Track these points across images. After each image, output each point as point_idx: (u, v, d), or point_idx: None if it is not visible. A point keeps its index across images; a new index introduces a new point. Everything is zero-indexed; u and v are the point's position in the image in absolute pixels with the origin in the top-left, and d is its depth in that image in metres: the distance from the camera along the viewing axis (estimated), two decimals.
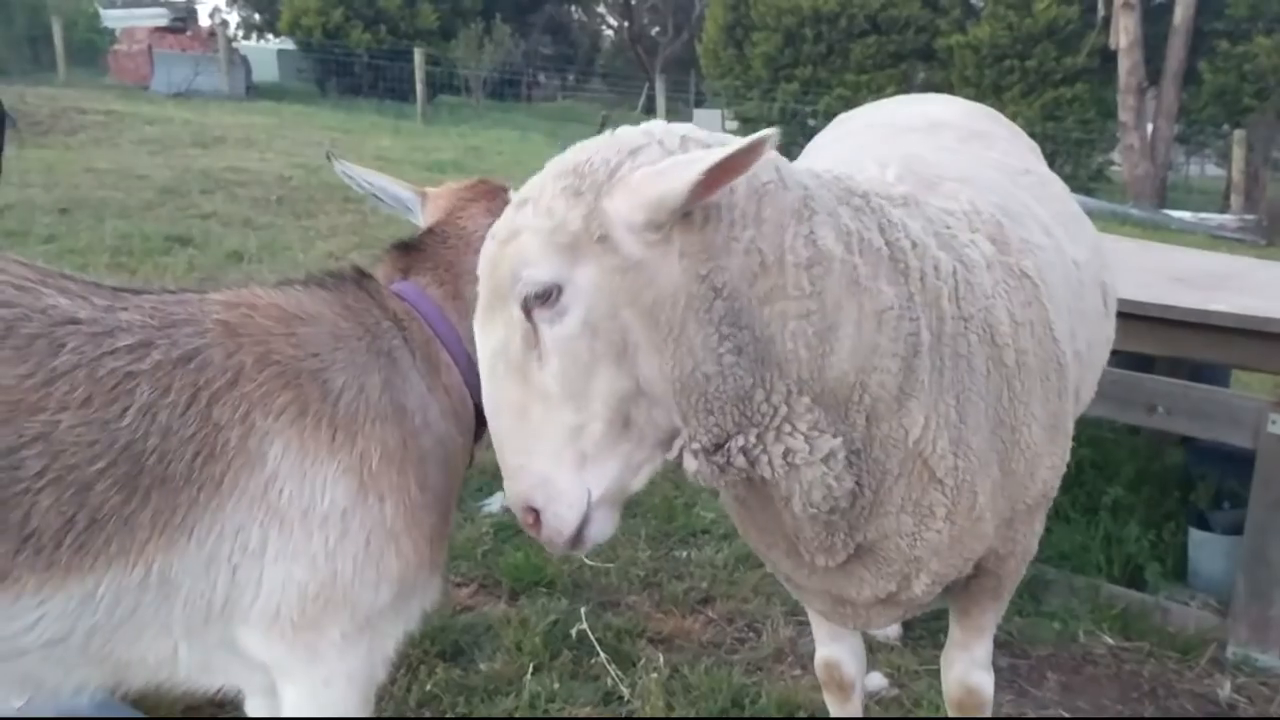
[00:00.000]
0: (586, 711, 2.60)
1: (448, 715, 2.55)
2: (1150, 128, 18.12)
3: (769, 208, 1.45)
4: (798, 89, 21.71)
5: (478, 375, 1.55)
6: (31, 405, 1.42)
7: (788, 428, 1.49)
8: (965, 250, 1.65)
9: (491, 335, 1.46)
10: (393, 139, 14.37)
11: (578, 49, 39.08)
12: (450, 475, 1.76)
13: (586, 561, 3.36)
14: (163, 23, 21.63)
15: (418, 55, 19.45)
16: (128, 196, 8.39)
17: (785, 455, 1.50)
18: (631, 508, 3.83)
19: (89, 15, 24.83)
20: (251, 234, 7.53)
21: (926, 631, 3.10)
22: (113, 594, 1.47)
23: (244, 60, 20.94)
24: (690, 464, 1.49)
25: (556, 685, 2.67)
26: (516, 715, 2.56)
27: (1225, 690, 2.89)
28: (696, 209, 1.39)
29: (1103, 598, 3.27)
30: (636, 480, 1.50)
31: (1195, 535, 3.45)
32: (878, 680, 2.84)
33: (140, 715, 2.25)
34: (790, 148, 1.73)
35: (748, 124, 23.62)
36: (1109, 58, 18.43)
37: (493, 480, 3.42)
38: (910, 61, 21.93)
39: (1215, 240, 12.70)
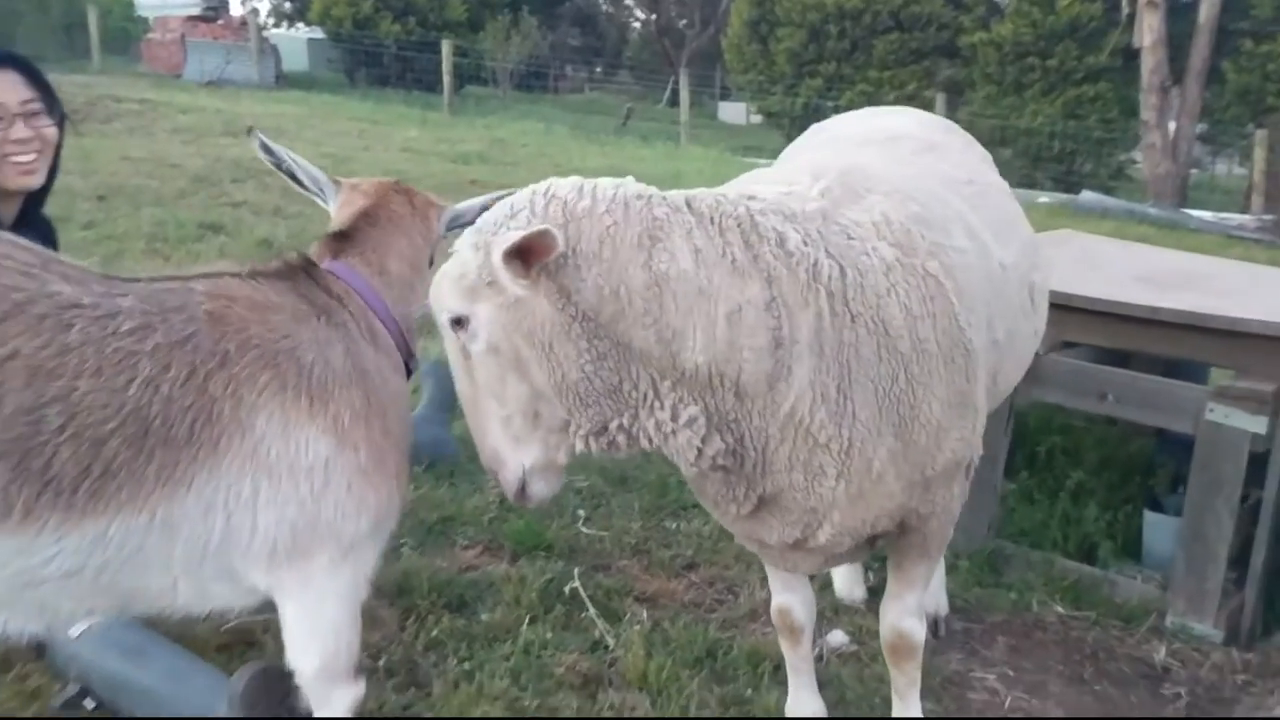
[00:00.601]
0: (574, 658, 2.90)
1: (450, 659, 2.85)
2: (1173, 126, 17.99)
3: (608, 248, 1.81)
4: (821, 85, 21.89)
5: (404, 337, 2.13)
6: (50, 371, 1.62)
7: (657, 405, 1.88)
8: (860, 257, 1.94)
9: (450, 346, 1.91)
10: (420, 130, 14.54)
11: (605, 41, 39.31)
12: (403, 418, 2.09)
13: (583, 530, 3.65)
14: (195, 11, 22.00)
15: (445, 47, 19.67)
16: (162, 184, 8.66)
17: (657, 427, 1.90)
18: (628, 483, 4.13)
19: (123, 4, 25.18)
20: (281, 223, 7.74)
21: None
22: (122, 534, 1.71)
23: (274, 49, 21.17)
24: (580, 446, 1.89)
25: (549, 635, 2.96)
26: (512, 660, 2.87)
27: (1160, 655, 3.15)
28: (551, 259, 1.77)
29: (1056, 571, 3.50)
30: (560, 455, 1.93)
31: (1149, 517, 3.67)
32: (840, 637, 3.11)
33: (180, 649, 2.55)
34: None
35: (771, 118, 23.82)
36: (1131, 56, 18.36)
37: None
38: (933, 58, 22.03)
39: (1231, 240, 12.63)
